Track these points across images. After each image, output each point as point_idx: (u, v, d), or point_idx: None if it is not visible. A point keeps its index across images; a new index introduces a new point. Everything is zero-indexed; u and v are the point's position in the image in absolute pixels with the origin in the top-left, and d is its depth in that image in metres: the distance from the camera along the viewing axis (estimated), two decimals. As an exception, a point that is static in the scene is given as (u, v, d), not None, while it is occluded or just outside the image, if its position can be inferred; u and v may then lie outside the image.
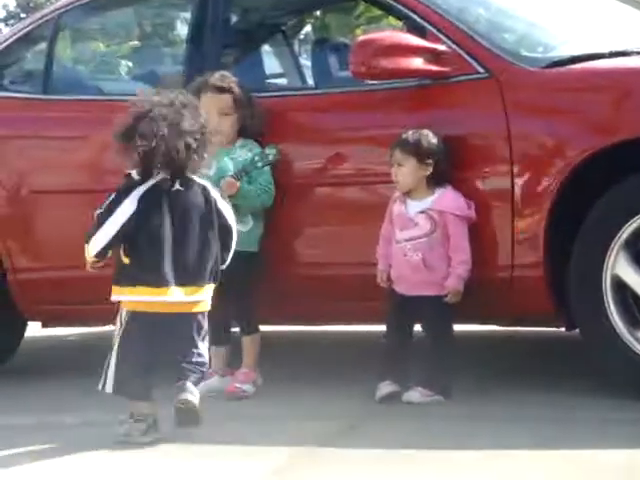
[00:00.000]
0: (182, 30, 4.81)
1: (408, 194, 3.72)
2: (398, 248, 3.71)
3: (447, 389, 3.65)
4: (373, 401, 3.64)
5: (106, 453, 3.24)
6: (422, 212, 3.68)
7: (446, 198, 3.66)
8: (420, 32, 3.79)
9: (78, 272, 3.95)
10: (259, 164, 3.81)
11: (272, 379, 3.93)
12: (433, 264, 3.67)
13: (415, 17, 3.84)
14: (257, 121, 3.86)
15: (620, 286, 3.49)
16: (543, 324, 3.96)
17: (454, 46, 3.74)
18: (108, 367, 3.30)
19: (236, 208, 3.68)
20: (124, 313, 3.31)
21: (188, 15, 4.40)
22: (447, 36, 3.76)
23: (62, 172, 4.17)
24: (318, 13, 6.07)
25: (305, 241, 3.95)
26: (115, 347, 3.30)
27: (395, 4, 3.91)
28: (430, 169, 3.65)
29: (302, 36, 5.59)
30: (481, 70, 3.70)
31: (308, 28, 5.78)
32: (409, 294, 3.69)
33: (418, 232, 3.67)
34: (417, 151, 3.63)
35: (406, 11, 3.88)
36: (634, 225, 3.45)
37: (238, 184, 3.79)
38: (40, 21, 4.47)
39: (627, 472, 2.83)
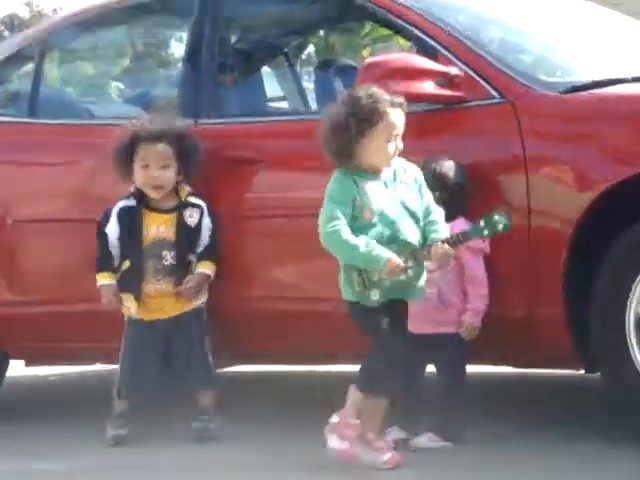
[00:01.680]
0: (177, 50, 4.83)
1: (418, 226, 3.70)
2: (406, 285, 3.69)
3: (459, 435, 3.64)
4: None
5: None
6: (434, 245, 3.66)
7: (457, 229, 3.63)
8: (431, 54, 3.80)
9: (62, 307, 4.02)
10: (485, 232, 3.38)
11: (256, 423, 3.99)
12: (448, 299, 3.66)
13: (425, 38, 3.85)
14: None
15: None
16: (561, 366, 3.94)
17: (467, 69, 3.74)
18: None
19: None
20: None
21: (184, 34, 4.41)
22: (460, 58, 3.76)
23: (47, 200, 4.18)
24: (322, 33, 6.07)
25: (298, 275, 3.93)
26: None
27: (404, 24, 3.92)
28: None
29: (305, 57, 5.58)
30: (496, 95, 3.70)
31: (311, 49, 5.77)
32: (421, 332, 3.65)
33: (431, 266, 3.66)
34: None
35: (416, 31, 3.88)
36: (660, 260, 3.44)
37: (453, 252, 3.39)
38: (27, 41, 4.49)
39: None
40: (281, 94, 4.93)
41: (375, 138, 3.40)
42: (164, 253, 3.90)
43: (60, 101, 4.61)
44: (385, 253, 3.35)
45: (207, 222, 3.93)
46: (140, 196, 3.93)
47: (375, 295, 3.41)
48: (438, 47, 3.81)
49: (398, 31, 4.30)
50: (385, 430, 3.63)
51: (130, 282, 3.88)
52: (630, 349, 3.47)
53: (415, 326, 3.65)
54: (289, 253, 3.92)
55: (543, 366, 3.96)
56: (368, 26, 5.89)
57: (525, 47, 4.07)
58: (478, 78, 3.72)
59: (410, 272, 3.41)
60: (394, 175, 3.47)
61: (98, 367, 4.70)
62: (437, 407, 3.66)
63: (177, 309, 3.91)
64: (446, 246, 3.38)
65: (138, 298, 3.88)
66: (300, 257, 3.91)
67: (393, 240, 3.40)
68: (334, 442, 3.44)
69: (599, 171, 3.52)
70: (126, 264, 3.90)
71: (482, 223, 3.39)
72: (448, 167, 3.63)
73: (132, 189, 3.96)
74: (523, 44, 4.09)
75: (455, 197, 3.62)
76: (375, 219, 3.41)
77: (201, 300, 3.93)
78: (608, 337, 3.50)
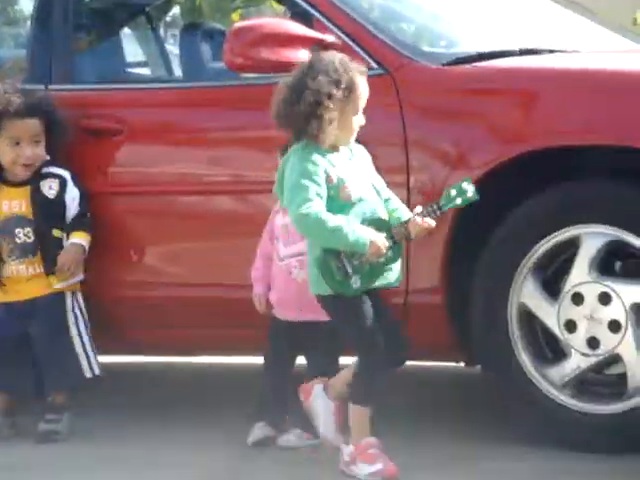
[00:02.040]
0: (26, 6, 4.68)
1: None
2: (283, 266, 3.56)
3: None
4: (245, 446, 3.53)
5: None
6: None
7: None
8: (306, 20, 3.71)
9: None
10: (457, 201, 3.25)
11: (133, 418, 3.90)
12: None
13: (300, 2, 3.77)
14: None
15: (527, 317, 3.45)
16: (440, 358, 3.89)
17: (344, 37, 3.67)
18: None
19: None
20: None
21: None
22: (337, 25, 3.69)
23: None
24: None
25: (164, 258, 3.83)
26: None
27: (277, -14, 3.89)
28: None
29: (169, 19, 5.44)
30: (374, 65, 3.64)
31: (176, 10, 5.67)
32: (295, 320, 3.55)
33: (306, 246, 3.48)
34: None
35: (290, -6, 3.83)
36: (544, 247, 3.41)
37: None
38: None
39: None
40: (142, 59, 4.79)
41: (346, 111, 3.25)
42: (17, 230, 3.74)
43: None
44: (368, 233, 3.22)
45: (72, 192, 3.78)
46: None
47: (356, 283, 3.26)
48: (313, 12, 3.74)
49: (271, -6, 4.28)
50: (253, 425, 3.57)
51: None
52: (513, 345, 3.45)
53: (288, 313, 3.57)
54: (155, 235, 3.84)
55: (419, 358, 3.87)
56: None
57: (407, 15, 4.04)
58: (356, 47, 3.67)
59: (390, 253, 3.27)
60: (351, 153, 3.35)
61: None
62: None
63: (33, 292, 3.74)
64: (427, 219, 3.25)
65: None
66: (169, 239, 3.82)
67: (371, 220, 3.27)
68: (365, 469, 3.24)
69: (483, 149, 3.47)
70: None
71: (453, 192, 3.26)
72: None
73: None
74: (405, 12, 4.05)
75: None
76: (354, 198, 3.26)
77: (72, 281, 3.74)
78: (489, 330, 3.46)
